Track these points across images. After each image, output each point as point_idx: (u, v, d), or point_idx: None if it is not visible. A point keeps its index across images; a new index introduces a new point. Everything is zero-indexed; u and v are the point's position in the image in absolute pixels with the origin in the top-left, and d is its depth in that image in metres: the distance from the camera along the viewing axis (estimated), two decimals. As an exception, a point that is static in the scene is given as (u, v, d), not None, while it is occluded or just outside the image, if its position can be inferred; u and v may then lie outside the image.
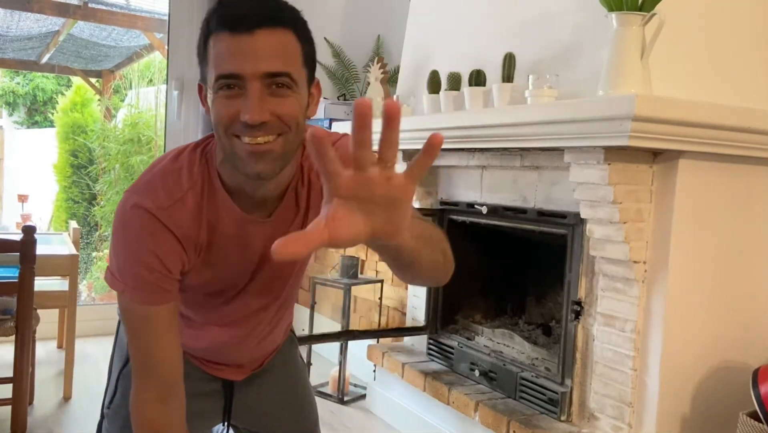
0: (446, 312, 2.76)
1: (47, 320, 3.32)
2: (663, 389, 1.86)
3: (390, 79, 3.19)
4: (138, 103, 6.57)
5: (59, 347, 3.62)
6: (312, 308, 3.19)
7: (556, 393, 2.12)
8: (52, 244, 3.36)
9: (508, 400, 2.31)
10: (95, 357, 3.58)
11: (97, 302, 5.46)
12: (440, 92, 2.52)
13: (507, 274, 2.77)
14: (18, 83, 9.42)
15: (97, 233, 6.46)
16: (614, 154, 1.80)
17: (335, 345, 3.16)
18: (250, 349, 1.33)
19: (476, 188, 2.52)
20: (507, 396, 2.33)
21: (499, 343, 2.52)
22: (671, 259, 1.84)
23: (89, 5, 5.49)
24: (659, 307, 1.85)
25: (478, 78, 2.35)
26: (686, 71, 1.90)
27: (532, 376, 2.25)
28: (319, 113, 3.41)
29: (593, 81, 1.87)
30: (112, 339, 1.41)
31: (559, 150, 1.97)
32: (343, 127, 3.00)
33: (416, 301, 2.89)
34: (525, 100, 2.04)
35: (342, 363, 3.04)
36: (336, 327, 3.49)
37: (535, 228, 2.25)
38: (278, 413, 1.43)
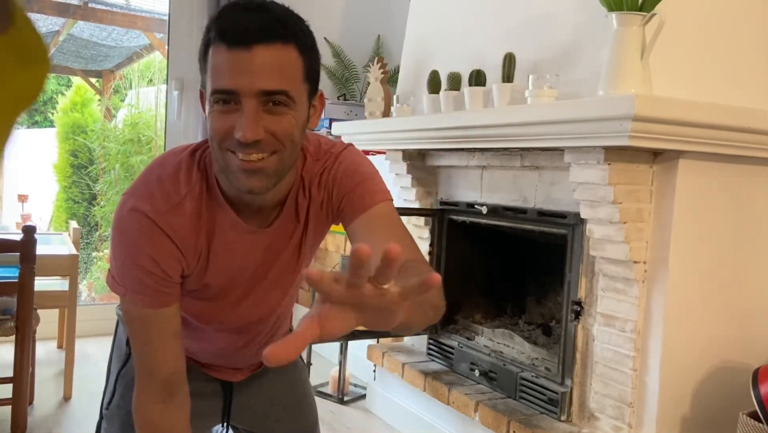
0: (446, 312, 2.75)
1: (47, 320, 3.32)
2: (663, 389, 1.86)
3: (390, 79, 3.19)
4: (138, 103, 6.58)
5: (59, 347, 3.62)
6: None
7: (556, 393, 2.12)
8: (52, 244, 3.36)
9: (508, 400, 2.31)
10: (95, 357, 3.58)
11: (97, 302, 5.46)
12: (440, 92, 2.51)
13: (507, 274, 2.77)
14: (18, 83, 9.39)
15: (97, 233, 6.45)
16: (614, 154, 1.80)
17: (335, 345, 3.16)
18: (250, 355, 1.33)
19: (476, 188, 2.52)
20: (507, 396, 2.33)
21: (499, 343, 2.52)
22: (671, 259, 1.84)
23: (89, 5, 5.49)
24: (659, 307, 1.85)
25: (478, 78, 2.34)
26: (686, 71, 1.90)
27: (532, 376, 2.25)
28: (319, 113, 3.41)
29: (593, 81, 1.87)
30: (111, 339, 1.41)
31: (559, 150, 1.97)
32: (343, 128, 3.00)
33: (416, 301, 2.89)
34: (525, 100, 2.04)
35: (342, 363, 3.04)
36: (336, 327, 3.49)
37: (535, 228, 2.25)
38: (278, 414, 1.43)
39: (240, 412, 1.40)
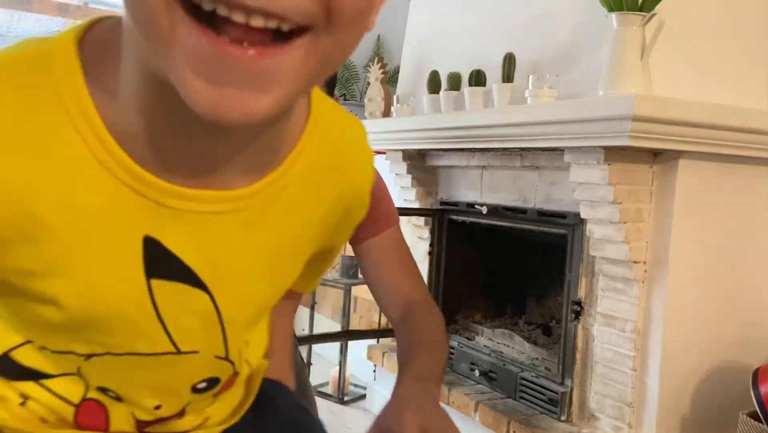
0: (446, 312, 2.75)
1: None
2: (663, 389, 1.86)
3: (390, 79, 3.19)
4: (138, 104, 6.57)
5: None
6: (312, 308, 3.19)
7: (556, 393, 2.12)
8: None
9: (508, 400, 2.31)
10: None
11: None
12: (440, 92, 2.52)
13: (507, 274, 2.77)
14: (18, 83, 9.41)
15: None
16: (614, 154, 1.80)
17: (335, 345, 3.16)
18: None
19: (476, 188, 2.52)
20: (507, 396, 2.33)
21: (499, 343, 2.52)
22: (671, 259, 1.84)
23: (90, 6, 5.49)
24: (659, 307, 1.85)
25: (478, 78, 2.35)
26: (686, 71, 1.90)
27: (532, 376, 2.25)
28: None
29: (593, 81, 1.87)
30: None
31: (559, 150, 1.97)
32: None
33: (416, 301, 2.89)
34: (525, 100, 2.04)
35: (342, 363, 3.04)
36: (336, 327, 3.49)
37: (535, 228, 2.25)
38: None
39: None
